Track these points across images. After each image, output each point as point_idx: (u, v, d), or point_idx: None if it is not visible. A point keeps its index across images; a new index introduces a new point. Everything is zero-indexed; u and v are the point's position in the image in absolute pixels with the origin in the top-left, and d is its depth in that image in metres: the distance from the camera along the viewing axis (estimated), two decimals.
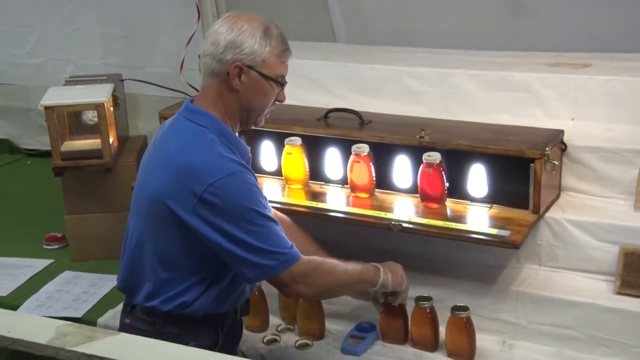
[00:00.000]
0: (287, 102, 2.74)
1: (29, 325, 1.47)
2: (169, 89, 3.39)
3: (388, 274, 2.03)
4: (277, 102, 1.95)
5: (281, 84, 1.91)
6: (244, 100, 1.87)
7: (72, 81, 3.37)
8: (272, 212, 1.91)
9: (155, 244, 1.86)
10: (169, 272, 1.86)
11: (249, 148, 1.95)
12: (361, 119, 2.45)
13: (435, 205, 2.27)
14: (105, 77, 3.33)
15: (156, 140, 1.94)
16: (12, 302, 2.69)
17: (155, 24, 3.66)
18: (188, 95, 2.96)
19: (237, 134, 1.93)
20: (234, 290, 1.95)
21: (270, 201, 2.40)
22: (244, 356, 2.18)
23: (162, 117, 2.67)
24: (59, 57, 4.06)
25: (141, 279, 1.91)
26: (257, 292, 2.31)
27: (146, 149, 1.99)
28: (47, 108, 2.95)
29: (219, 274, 1.88)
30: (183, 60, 3.36)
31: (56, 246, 3.17)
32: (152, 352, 1.37)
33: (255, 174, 2.53)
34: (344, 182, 2.44)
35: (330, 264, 1.95)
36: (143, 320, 1.91)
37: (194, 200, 1.76)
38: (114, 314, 2.50)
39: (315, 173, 2.48)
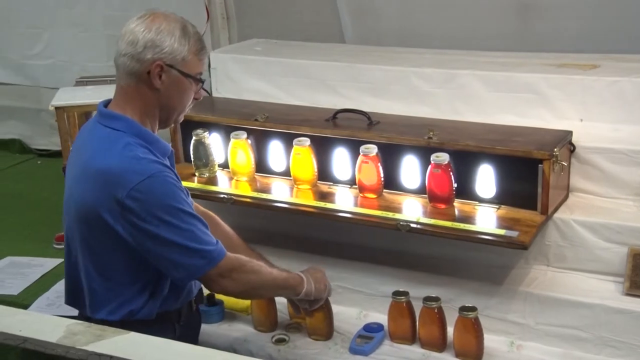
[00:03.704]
0: (295, 102, 2.80)
1: (39, 324, 1.48)
2: None
3: (312, 283, 2.03)
4: (195, 100, 1.92)
5: (200, 81, 1.89)
6: (164, 99, 1.85)
7: (83, 82, 3.39)
8: (195, 208, 1.91)
9: (90, 254, 1.83)
10: (107, 281, 1.83)
11: (169, 145, 1.92)
12: (369, 120, 2.45)
13: (443, 206, 2.27)
14: (115, 78, 3.35)
15: (76, 149, 1.92)
16: (22, 301, 2.70)
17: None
18: None
19: (155, 133, 1.89)
20: (181, 289, 1.94)
21: (279, 201, 2.44)
22: (253, 356, 2.19)
23: None
24: (68, 58, 4.09)
25: (81, 291, 1.88)
26: None
27: (69, 157, 1.96)
28: (57, 108, 2.98)
29: (159, 279, 1.86)
30: None
31: None
32: (161, 351, 1.38)
33: (267, 175, 2.57)
34: (352, 182, 2.44)
35: (256, 264, 1.95)
36: None
37: (119, 207, 1.74)
38: None
39: (324, 173, 2.49)
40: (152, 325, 1.83)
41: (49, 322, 1.51)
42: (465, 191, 2.28)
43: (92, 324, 1.45)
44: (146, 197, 1.74)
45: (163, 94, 1.84)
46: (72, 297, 1.94)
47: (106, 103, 1.90)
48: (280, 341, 2.26)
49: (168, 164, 1.85)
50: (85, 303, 1.88)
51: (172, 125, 1.97)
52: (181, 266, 1.79)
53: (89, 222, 1.80)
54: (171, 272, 1.82)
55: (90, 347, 1.34)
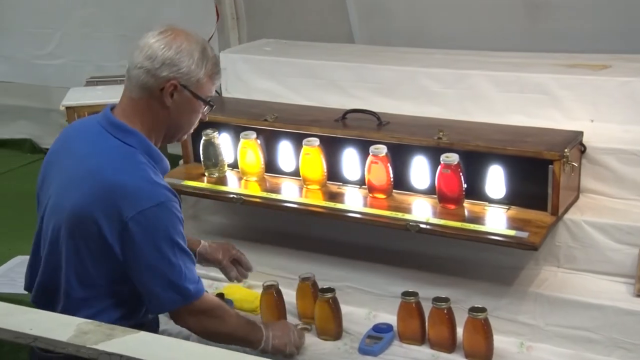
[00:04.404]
0: (305, 102, 2.80)
1: (50, 322, 1.49)
2: None
3: (269, 343, 2.03)
4: (200, 121, 1.94)
5: (210, 105, 1.90)
6: (173, 118, 1.85)
7: (93, 82, 3.41)
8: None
9: (76, 260, 1.81)
10: (85, 291, 1.82)
11: (168, 163, 1.93)
12: (379, 120, 2.45)
13: (452, 206, 2.26)
14: (125, 86, 3.36)
15: (70, 148, 1.89)
16: None
17: (173, 25, 3.69)
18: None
19: (158, 148, 1.90)
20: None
21: (288, 201, 2.44)
22: (262, 356, 2.19)
23: None
24: (79, 58, 4.11)
25: (55, 293, 1.86)
26: (274, 293, 2.32)
27: (54, 151, 1.93)
28: (68, 108, 3.00)
29: (138, 301, 1.87)
30: None
31: None
32: (171, 350, 1.38)
33: (276, 175, 2.56)
34: (361, 182, 2.44)
35: (226, 312, 1.98)
36: None
37: (121, 223, 1.74)
38: None
39: (333, 174, 2.49)
40: None
41: (59, 320, 1.51)
42: (475, 192, 2.27)
43: (103, 323, 1.45)
44: (150, 223, 1.75)
45: (172, 113, 1.84)
46: (43, 297, 1.90)
47: (112, 107, 1.88)
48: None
49: (167, 183, 1.85)
50: (57, 305, 1.85)
51: (175, 142, 1.99)
52: (156, 297, 1.82)
53: (84, 231, 1.77)
54: (147, 299, 1.84)
55: (101, 346, 1.35)
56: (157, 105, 1.83)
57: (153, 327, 2.04)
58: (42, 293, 1.91)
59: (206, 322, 1.93)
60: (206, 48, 1.86)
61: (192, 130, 1.96)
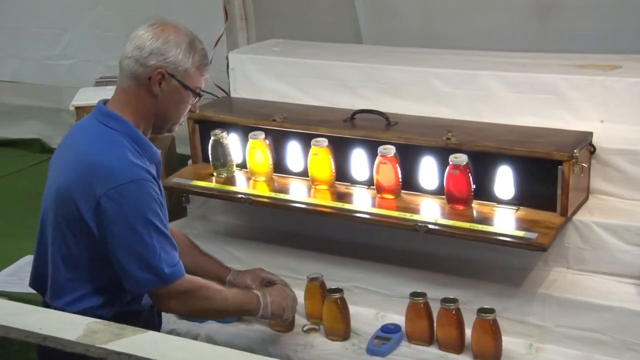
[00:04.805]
0: (313, 103, 2.79)
1: (59, 322, 1.49)
2: None
3: (268, 305, 2.05)
4: (190, 112, 1.97)
5: (198, 94, 1.94)
6: (161, 107, 1.89)
7: (102, 82, 3.42)
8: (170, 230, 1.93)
9: (59, 241, 1.87)
10: (70, 272, 1.86)
11: (159, 152, 1.97)
12: (387, 120, 2.45)
13: (461, 207, 2.26)
14: (117, 79, 3.38)
15: (67, 142, 1.94)
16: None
17: (182, 25, 3.70)
18: (215, 96, 2.98)
19: (148, 138, 1.94)
20: (141, 295, 1.95)
21: (297, 201, 2.44)
22: (270, 356, 2.19)
23: (190, 118, 2.70)
24: (89, 58, 4.13)
25: (46, 277, 1.92)
26: None
27: (56, 149, 1.99)
28: (78, 108, 3.01)
29: (120, 282, 1.87)
30: (211, 61, 3.38)
31: None
32: (180, 350, 1.38)
33: (285, 175, 2.57)
34: (370, 183, 2.44)
35: (213, 290, 1.97)
36: None
37: (95, 200, 1.78)
38: None
39: (342, 174, 2.49)
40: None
41: (68, 320, 1.52)
42: (483, 192, 2.27)
43: (112, 322, 1.46)
44: (123, 200, 1.78)
45: (161, 102, 1.89)
46: (37, 282, 1.97)
47: (105, 101, 1.94)
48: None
49: (154, 171, 1.89)
50: (47, 289, 1.92)
51: (166, 133, 2.01)
52: (134, 278, 1.82)
53: (65, 210, 1.83)
54: (123, 279, 1.85)
55: (110, 346, 1.35)
56: (146, 94, 1.87)
57: (152, 318, 2.04)
58: (36, 277, 1.97)
59: (190, 303, 1.92)
60: (194, 40, 1.92)
61: (181, 121, 1.99)
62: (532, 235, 2.08)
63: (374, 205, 2.36)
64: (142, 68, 1.85)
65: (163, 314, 2.14)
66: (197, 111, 2.00)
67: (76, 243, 1.85)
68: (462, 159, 2.22)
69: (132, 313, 1.94)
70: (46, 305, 1.93)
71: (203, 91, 1.96)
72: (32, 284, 2.00)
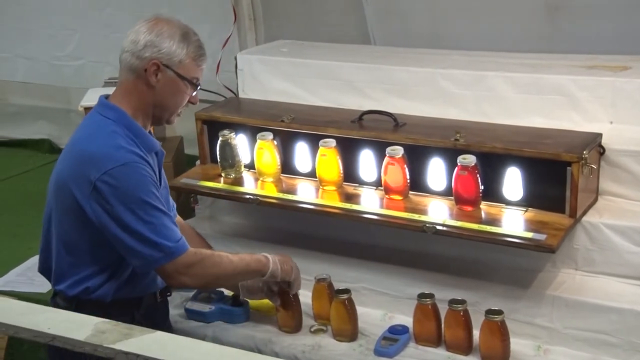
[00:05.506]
0: (321, 103, 2.80)
1: (68, 321, 1.50)
2: (205, 90, 3.43)
3: (277, 264, 2.10)
4: (190, 103, 2.05)
5: (195, 85, 2.00)
6: (158, 97, 1.97)
7: (111, 82, 3.43)
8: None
9: (60, 227, 1.96)
10: (71, 256, 1.95)
11: (159, 143, 2.03)
12: (395, 121, 2.45)
13: (469, 208, 2.25)
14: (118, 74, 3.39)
15: (70, 139, 2.03)
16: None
17: (191, 26, 3.71)
18: (224, 96, 2.99)
19: (147, 129, 2.01)
20: (143, 277, 2.01)
21: (305, 202, 2.44)
22: (277, 357, 2.19)
23: (199, 119, 2.71)
24: (98, 59, 4.14)
25: (50, 262, 2.01)
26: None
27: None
28: (86, 109, 3.03)
29: (120, 263, 1.96)
30: (219, 61, 3.40)
31: None
32: (188, 350, 1.38)
33: (293, 176, 2.57)
34: (378, 184, 2.43)
35: (217, 257, 2.02)
36: (61, 305, 1.99)
37: (90, 187, 1.86)
38: None
39: (349, 175, 2.49)
40: (108, 309, 1.90)
41: (77, 319, 1.53)
42: (492, 193, 2.26)
43: (119, 322, 1.46)
44: (117, 182, 1.85)
45: (158, 92, 1.96)
46: (44, 266, 2.07)
47: (107, 96, 2.02)
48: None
49: (150, 159, 1.95)
50: (51, 272, 2.01)
51: (165, 124, 2.09)
52: (139, 254, 1.89)
53: (62, 197, 1.92)
54: (129, 258, 1.92)
55: (118, 346, 1.36)
56: (143, 85, 1.95)
57: (154, 305, 2.08)
58: (43, 260, 2.07)
59: (202, 273, 1.97)
60: (188, 32, 1.99)
61: (179, 112, 2.05)
62: (541, 237, 2.07)
63: (381, 206, 2.36)
64: (138, 60, 1.94)
65: (169, 302, 2.18)
66: (197, 102, 2.07)
67: (75, 229, 1.93)
68: (470, 160, 2.21)
69: (132, 300, 2.01)
70: (54, 293, 2.02)
71: (204, 90, 2.03)
72: (40, 269, 2.09)
